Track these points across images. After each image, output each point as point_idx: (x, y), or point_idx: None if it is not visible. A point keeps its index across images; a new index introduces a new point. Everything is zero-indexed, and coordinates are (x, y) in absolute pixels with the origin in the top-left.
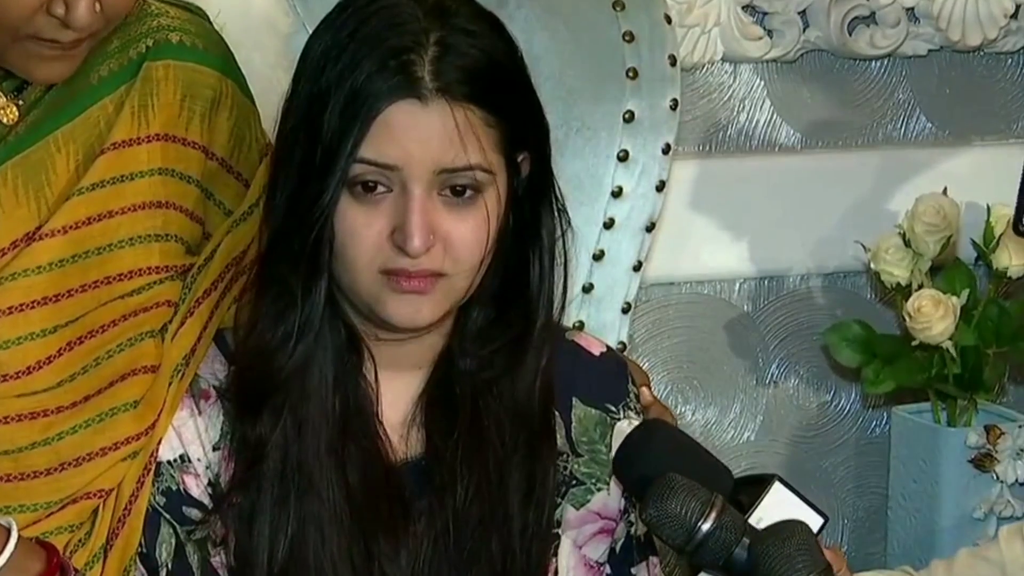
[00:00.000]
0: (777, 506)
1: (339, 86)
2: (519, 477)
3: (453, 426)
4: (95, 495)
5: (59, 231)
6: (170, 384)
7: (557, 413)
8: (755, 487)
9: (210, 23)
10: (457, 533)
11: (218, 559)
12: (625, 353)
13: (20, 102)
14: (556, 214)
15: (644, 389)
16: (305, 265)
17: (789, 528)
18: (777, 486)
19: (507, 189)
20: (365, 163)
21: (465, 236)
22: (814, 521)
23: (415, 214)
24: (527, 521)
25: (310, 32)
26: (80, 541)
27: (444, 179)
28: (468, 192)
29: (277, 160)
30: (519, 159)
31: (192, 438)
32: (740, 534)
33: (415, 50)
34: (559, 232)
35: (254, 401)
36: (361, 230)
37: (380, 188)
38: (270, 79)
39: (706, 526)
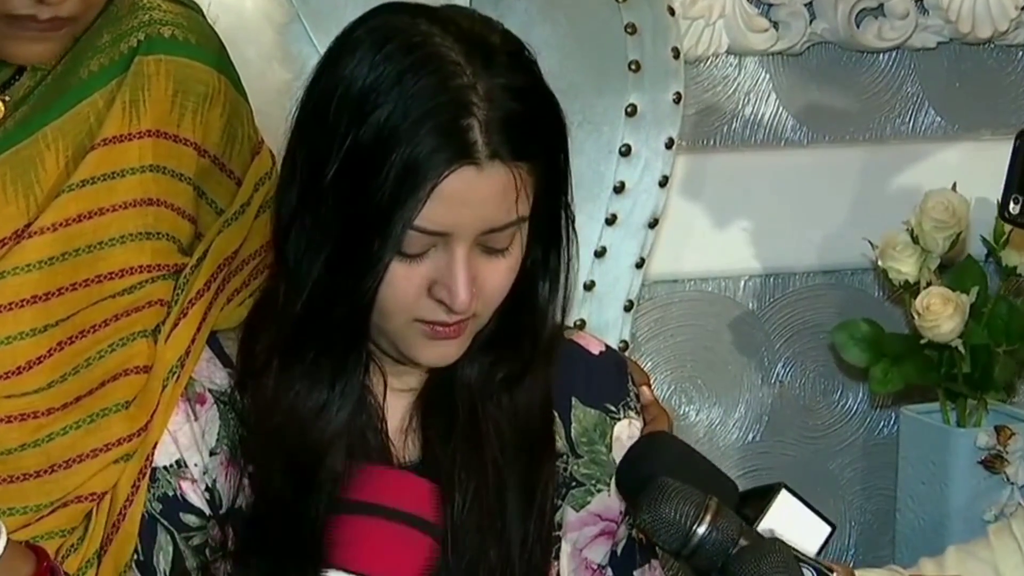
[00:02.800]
0: (784, 515)
1: (390, 147)
2: (518, 485)
3: (451, 431)
4: (87, 498)
5: (48, 228)
6: (164, 386)
7: (556, 414)
8: (761, 498)
9: (203, 17)
10: (455, 541)
11: (218, 565)
12: (627, 352)
13: (7, 97)
14: (567, 223)
15: (644, 389)
16: (350, 332)
17: (766, 546)
18: (784, 494)
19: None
20: (416, 230)
21: (499, 281)
22: (821, 530)
23: (461, 273)
24: (527, 530)
25: (305, 25)
26: (72, 546)
27: (488, 236)
28: (507, 244)
29: (303, 200)
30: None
31: (189, 443)
32: (737, 536)
33: (468, 109)
34: (567, 239)
35: (282, 463)
36: (400, 283)
37: (426, 251)
38: (264, 72)
39: (701, 529)
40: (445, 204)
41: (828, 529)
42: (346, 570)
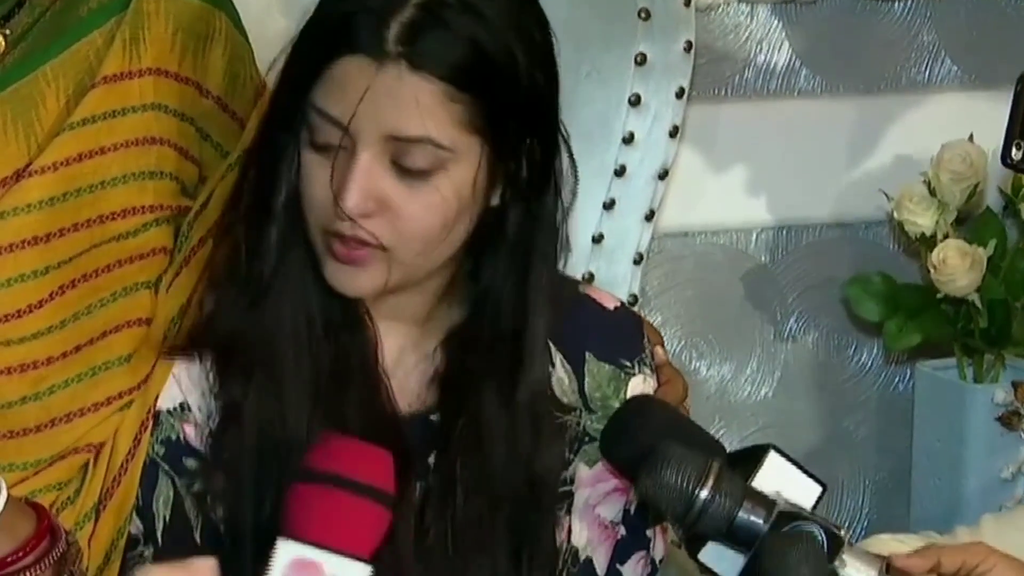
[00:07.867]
0: (774, 476)
1: (312, 33)
2: (525, 447)
3: (462, 400)
4: (84, 449)
5: (49, 168)
6: (166, 337)
7: (570, 368)
8: (749, 460)
9: None
10: (465, 494)
11: (217, 514)
12: (637, 306)
13: (7, 31)
14: (558, 199)
15: (658, 349)
16: (281, 217)
17: (795, 536)
18: (773, 455)
19: (487, 175)
20: (316, 111)
21: (414, 212)
22: (812, 490)
23: (355, 173)
24: (518, 488)
25: None
26: (68, 499)
27: (396, 148)
28: (420, 167)
29: (265, 130)
30: (513, 147)
31: (193, 385)
32: (741, 499)
33: (389, 9)
34: (561, 216)
35: (229, 360)
36: (312, 182)
37: (334, 145)
38: (263, 19)
39: (704, 493)
40: (339, 89)
41: (819, 489)
42: (299, 539)
